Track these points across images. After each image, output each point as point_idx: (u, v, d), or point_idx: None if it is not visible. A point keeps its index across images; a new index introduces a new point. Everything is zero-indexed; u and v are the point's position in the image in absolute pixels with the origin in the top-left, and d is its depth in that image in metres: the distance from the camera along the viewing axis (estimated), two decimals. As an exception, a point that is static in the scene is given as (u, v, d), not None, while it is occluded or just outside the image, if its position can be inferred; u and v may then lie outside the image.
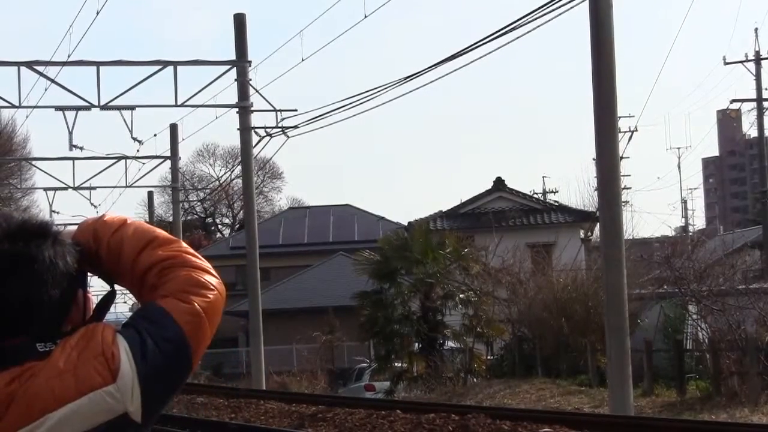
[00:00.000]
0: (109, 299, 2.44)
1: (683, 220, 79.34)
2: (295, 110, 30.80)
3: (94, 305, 2.44)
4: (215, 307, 2.36)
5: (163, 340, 2.28)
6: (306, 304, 50.61)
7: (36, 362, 2.22)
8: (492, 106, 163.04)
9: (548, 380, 28.12)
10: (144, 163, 41.33)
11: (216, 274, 2.41)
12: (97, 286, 2.66)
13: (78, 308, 2.38)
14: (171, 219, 52.04)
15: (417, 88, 36.76)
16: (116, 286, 2.47)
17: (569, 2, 18.73)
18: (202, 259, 2.42)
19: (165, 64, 30.60)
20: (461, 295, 33.41)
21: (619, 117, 20.06)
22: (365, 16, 25.66)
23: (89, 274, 2.44)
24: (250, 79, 31.19)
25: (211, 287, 2.37)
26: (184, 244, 2.43)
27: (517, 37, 21.71)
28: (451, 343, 34.10)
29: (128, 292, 2.44)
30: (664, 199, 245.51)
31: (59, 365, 2.21)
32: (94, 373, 2.20)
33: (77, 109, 31.88)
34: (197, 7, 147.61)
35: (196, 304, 2.33)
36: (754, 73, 47.88)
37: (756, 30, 49.51)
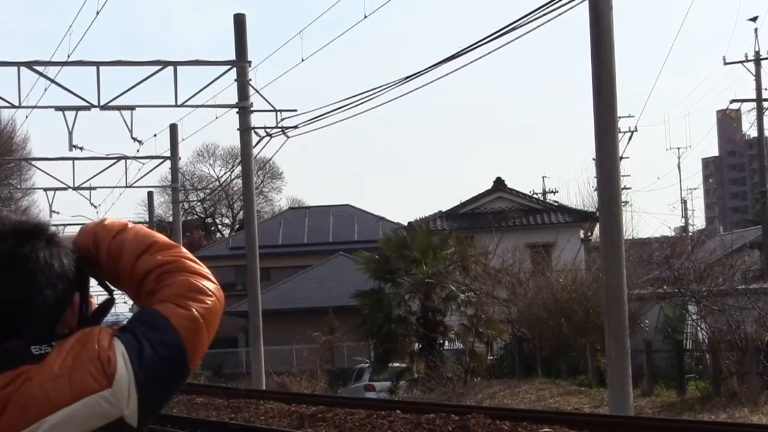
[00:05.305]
0: (106, 306, 2.45)
1: (683, 220, 79.39)
2: (295, 110, 30.83)
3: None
4: (213, 313, 2.36)
5: (160, 345, 2.27)
6: (306, 304, 50.61)
7: (31, 366, 2.22)
8: (492, 106, 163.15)
9: (548, 380, 28.11)
10: (144, 164, 41.39)
11: (215, 280, 2.41)
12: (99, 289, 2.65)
13: (74, 311, 2.37)
14: (171, 219, 52.06)
15: (417, 88, 36.70)
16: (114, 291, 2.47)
17: (569, 2, 18.74)
18: (202, 264, 2.42)
19: (165, 64, 30.60)
20: (461, 296, 33.41)
21: (619, 117, 20.07)
22: (365, 16, 25.67)
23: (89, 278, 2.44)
24: (250, 80, 31.19)
25: (210, 293, 2.37)
26: (184, 250, 2.43)
27: (518, 37, 21.75)
28: (453, 344, 34.12)
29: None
30: (664, 199, 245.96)
31: (54, 369, 2.20)
32: (90, 378, 2.19)
33: (77, 109, 31.87)
34: (197, 7, 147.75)
35: (194, 309, 2.32)
36: (754, 73, 47.90)
37: (756, 30, 49.43)
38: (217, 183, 79.46)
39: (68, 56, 30.36)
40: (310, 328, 43.82)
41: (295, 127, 30.26)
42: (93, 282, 2.45)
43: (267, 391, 29.64)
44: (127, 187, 42.43)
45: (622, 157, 27.94)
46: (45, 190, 45.50)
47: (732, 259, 33.08)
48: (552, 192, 71.13)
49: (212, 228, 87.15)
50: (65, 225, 44.07)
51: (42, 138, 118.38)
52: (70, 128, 33.29)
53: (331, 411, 21.31)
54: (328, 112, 28.13)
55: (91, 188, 43.42)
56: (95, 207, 45.54)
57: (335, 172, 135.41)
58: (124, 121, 33.18)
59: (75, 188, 42.75)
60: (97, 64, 30.22)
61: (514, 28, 19.98)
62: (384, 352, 34.11)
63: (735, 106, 49.51)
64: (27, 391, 2.19)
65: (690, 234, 58.29)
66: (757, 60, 47.98)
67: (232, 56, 31.27)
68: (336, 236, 64.00)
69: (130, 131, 34.12)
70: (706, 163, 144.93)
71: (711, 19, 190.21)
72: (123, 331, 2.29)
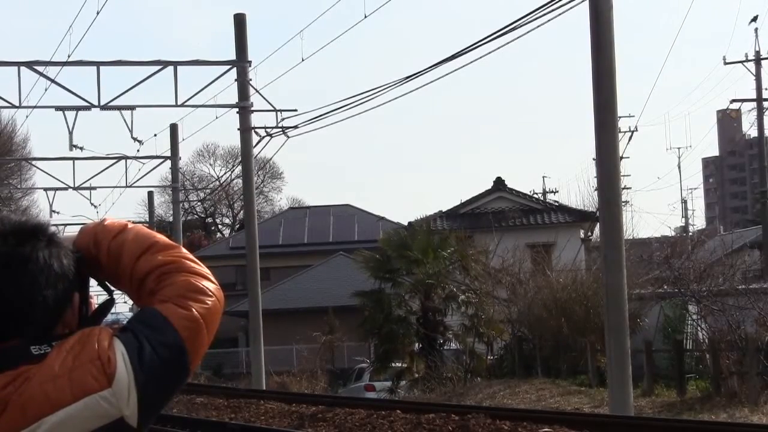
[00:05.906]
0: (106, 306, 2.45)
1: (683, 220, 79.40)
2: (295, 110, 30.82)
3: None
4: (213, 313, 2.36)
5: (160, 345, 2.27)
6: (306, 304, 50.61)
7: (30, 366, 2.22)
8: (492, 106, 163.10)
9: (548, 380, 28.10)
10: (144, 163, 41.39)
11: (215, 281, 2.41)
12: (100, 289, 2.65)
13: (74, 311, 2.37)
14: (171, 219, 52.09)
15: (417, 88, 36.85)
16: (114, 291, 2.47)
17: (569, 2, 18.74)
18: (202, 265, 2.42)
19: (165, 64, 30.60)
20: (462, 296, 33.40)
21: (619, 117, 20.06)
22: (365, 16, 25.68)
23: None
24: (250, 79, 31.19)
25: (210, 293, 2.37)
26: (184, 250, 2.43)
27: (518, 37, 21.80)
28: (452, 344, 34.10)
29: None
30: (664, 199, 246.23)
31: (54, 369, 2.20)
32: (90, 378, 2.19)
33: (77, 109, 31.87)
34: (197, 7, 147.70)
35: (194, 310, 2.32)
36: (754, 73, 47.89)
37: (756, 30, 49.42)
38: (217, 183, 79.51)
39: (68, 56, 30.38)
40: (310, 328, 43.84)
41: (295, 127, 30.28)
42: (93, 282, 2.45)
43: (267, 391, 29.63)
44: (127, 187, 42.47)
45: (622, 157, 27.93)
46: (45, 190, 45.51)
47: (732, 259, 33.06)
48: (552, 192, 71.23)
49: (212, 228, 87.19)
50: (65, 225, 44.08)
51: (42, 138, 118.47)
52: (70, 128, 33.32)
53: (331, 411, 21.30)
54: (328, 112, 28.16)
55: (91, 188, 43.45)
56: (95, 207, 45.60)
57: (335, 172, 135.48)
58: (124, 121, 33.21)
59: (75, 188, 42.75)
60: (97, 64, 30.22)
61: (514, 28, 19.99)
62: (384, 352, 34.10)
63: (735, 106, 49.58)
64: (27, 391, 2.19)
65: (690, 234, 58.28)
66: (757, 60, 47.97)
67: (232, 56, 31.28)
68: (336, 236, 64.00)
69: (131, 131, 34.15)
70: (706, 163, 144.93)
71: (711, 19, 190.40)
72: (123, 331, 2.29)
